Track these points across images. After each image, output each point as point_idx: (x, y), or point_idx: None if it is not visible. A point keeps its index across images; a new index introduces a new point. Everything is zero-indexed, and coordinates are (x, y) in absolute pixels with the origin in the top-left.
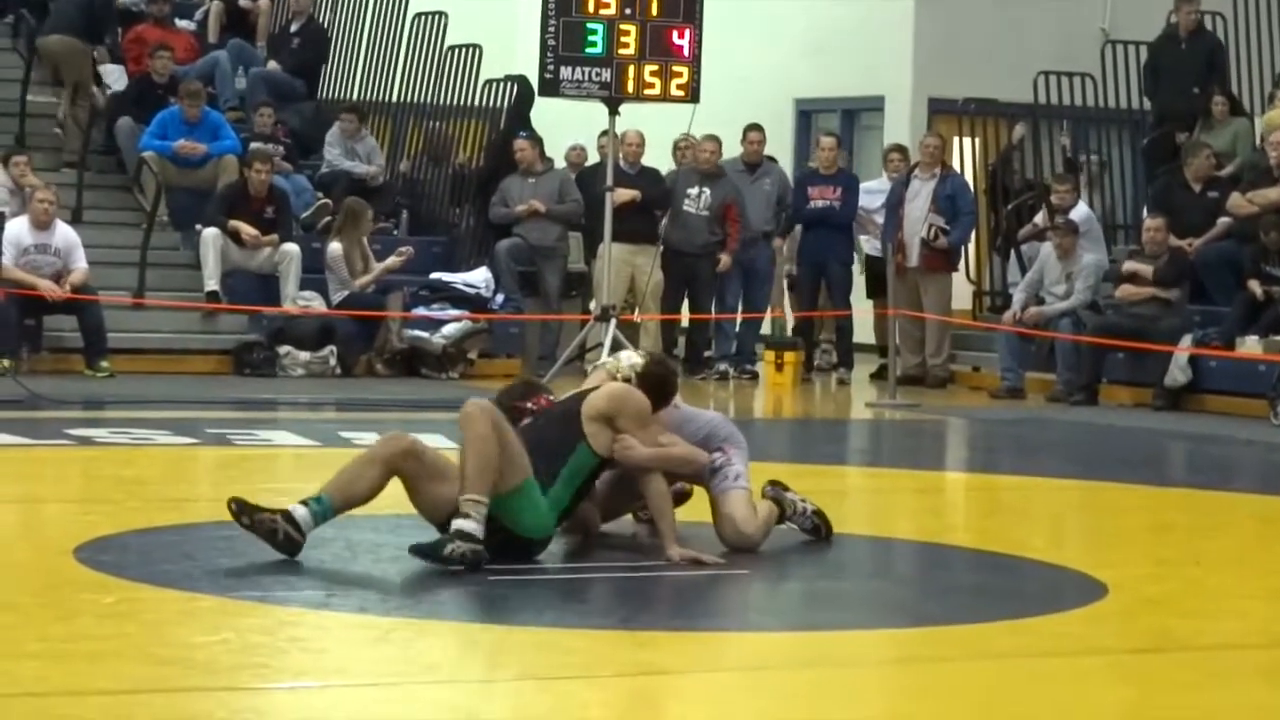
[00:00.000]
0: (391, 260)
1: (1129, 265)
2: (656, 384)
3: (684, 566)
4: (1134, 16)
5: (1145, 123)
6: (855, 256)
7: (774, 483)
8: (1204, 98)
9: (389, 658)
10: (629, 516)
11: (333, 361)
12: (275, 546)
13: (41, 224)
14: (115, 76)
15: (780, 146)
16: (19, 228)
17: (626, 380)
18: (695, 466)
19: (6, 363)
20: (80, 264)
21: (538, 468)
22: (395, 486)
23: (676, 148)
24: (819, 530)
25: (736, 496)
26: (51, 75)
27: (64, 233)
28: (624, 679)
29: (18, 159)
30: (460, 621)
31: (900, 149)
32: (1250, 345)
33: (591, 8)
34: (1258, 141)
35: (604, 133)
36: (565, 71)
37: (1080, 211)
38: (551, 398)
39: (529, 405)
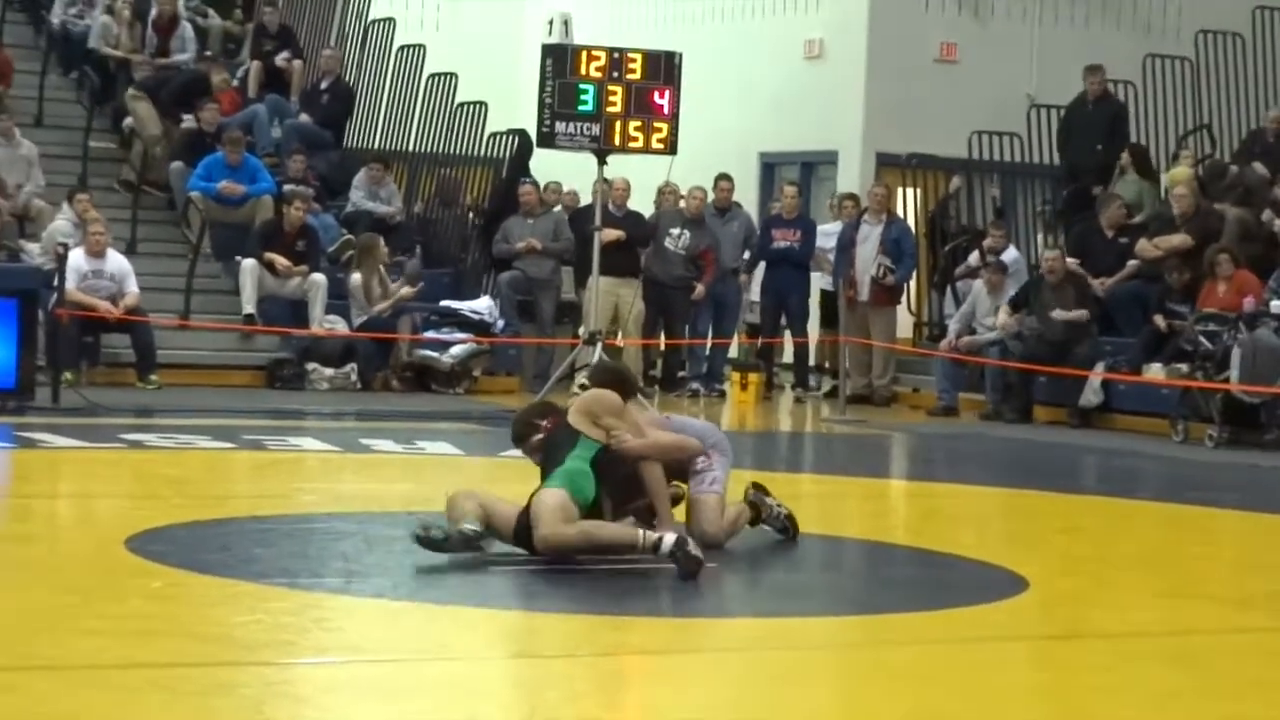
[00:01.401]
0: (405, 290)
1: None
2: (612, 379)
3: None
4: (1057, 84)
5: (1064, 176)
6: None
7: (756, 486)
8: (1110, 153)
9: (401, 637)
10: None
11: (354, 377)
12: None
13: (96, 252)
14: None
15: (746, 193)
16: (78, 256)
17: (584, 388)
18: (688, 451)
19: (69, 375)
20: (133, 288)
21: (551, 464)
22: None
23: (660, 193)
24: (787, 530)
25: (709, 500)
26: (112, 121)
27: (117, 260)
28: (605, 658)
29: (80, 197)
30: (464, 606)
31: (852, 197)
32: (1155, 371)
33: (584, 70)
34: (1163, 194)
35: (598, 179)
36: (560, 126)
37: (1010, 254)
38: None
39: (544, 424)
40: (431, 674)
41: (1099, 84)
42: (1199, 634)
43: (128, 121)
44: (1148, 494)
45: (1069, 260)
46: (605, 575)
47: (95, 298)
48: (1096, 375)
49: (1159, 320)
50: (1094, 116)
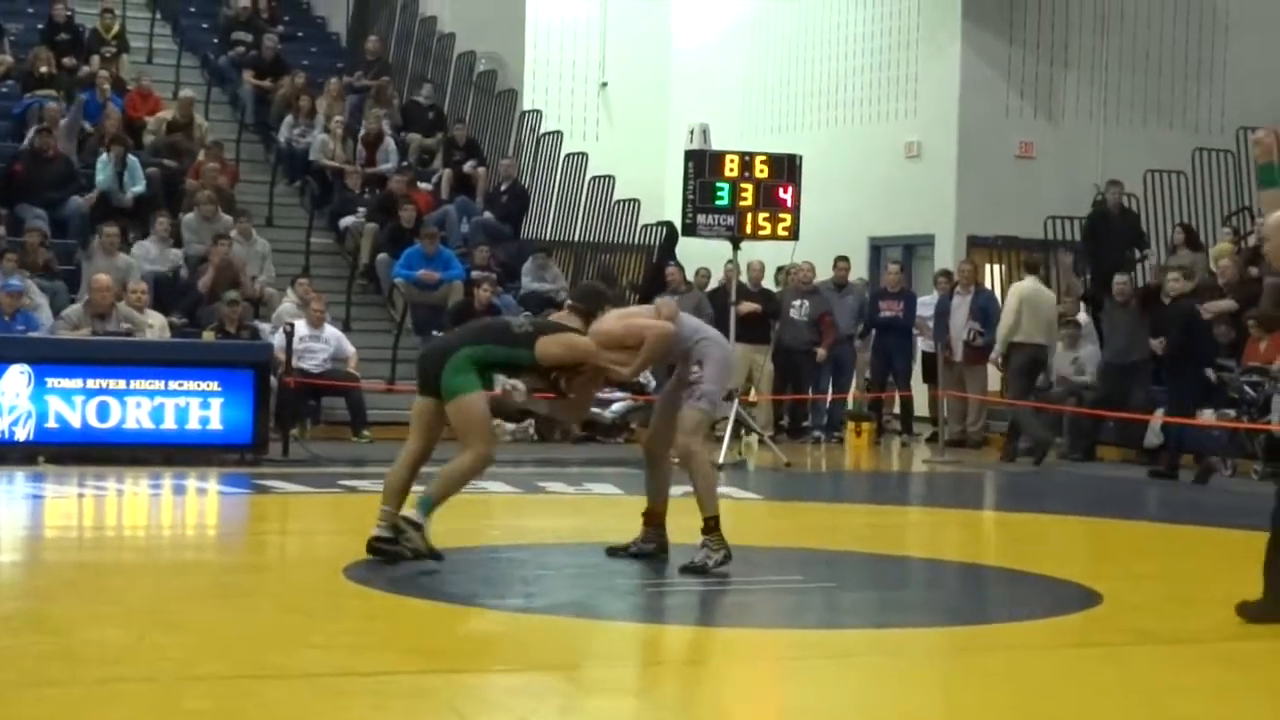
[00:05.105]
0: None
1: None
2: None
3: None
4: (1120, 173)
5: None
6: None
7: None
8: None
9: (573, 649)
10: None
11: (531, 431)
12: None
13: (315, 324)
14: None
15: (858, 271)
16: (301, 327)
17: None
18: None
19: (295, 432)
20: (349, 349)
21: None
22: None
23: (783, 271)
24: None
25: (689, 414)
26: (329, 221)
27: (331, 331)
28: (732, 667)
29: (301, 281)
30: (627, 622)
31: (946, 273)
32: (1207, 416)
33: (720, 172)
34: (1212, 265)
35: (729, 261)
36: (701, 218)
37: (1083, 317)
38: None
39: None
40: (600, 679)
41: (1118, 195)
42: (1250, 639)
43: (343, 221)
44: (1203, 521)
45: None
46: (733, 594)
47: (313, 358)
48: (1157, 419)
49: (1210, 373)
50: (1118, 225)
